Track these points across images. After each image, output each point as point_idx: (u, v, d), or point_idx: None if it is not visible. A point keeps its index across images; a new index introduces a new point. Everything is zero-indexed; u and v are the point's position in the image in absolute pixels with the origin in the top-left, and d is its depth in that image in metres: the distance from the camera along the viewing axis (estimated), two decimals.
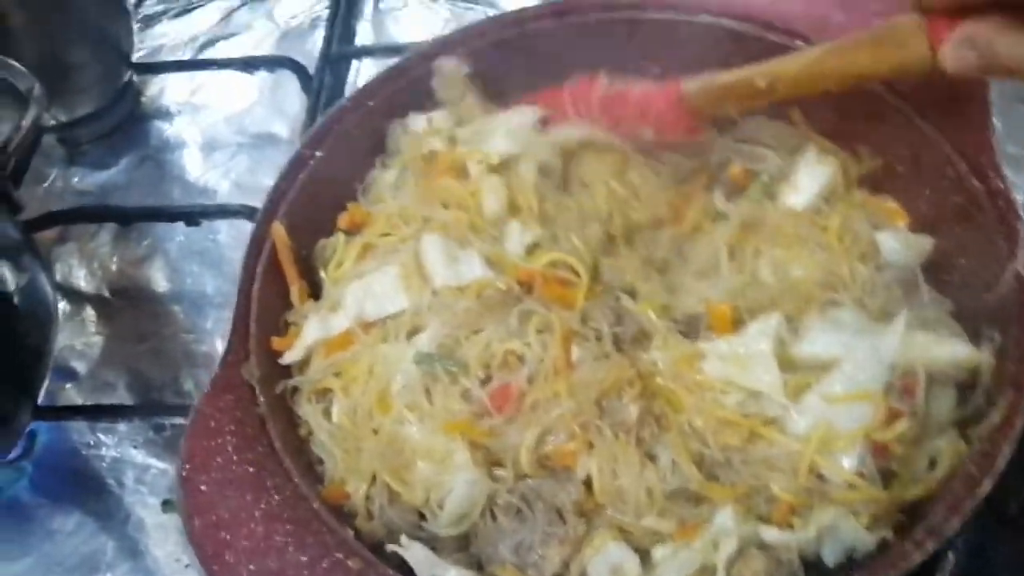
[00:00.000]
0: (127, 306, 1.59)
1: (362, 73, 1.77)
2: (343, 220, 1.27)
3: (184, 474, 0.99)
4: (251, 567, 0.93)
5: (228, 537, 0.95)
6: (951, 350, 1.07)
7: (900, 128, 1.22)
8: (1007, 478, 0.98)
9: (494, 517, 1.05)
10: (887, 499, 1.00)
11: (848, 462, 0.99)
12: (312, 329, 1.15)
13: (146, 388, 1.51)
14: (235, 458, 1.02)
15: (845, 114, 1.27)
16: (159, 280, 1.61)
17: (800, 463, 1.01)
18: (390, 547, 1.02)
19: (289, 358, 1.15)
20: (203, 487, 0.98)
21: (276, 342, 1.16)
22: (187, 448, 1.01)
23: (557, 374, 1.05)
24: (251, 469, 1.01)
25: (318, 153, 1.28)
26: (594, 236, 1.17)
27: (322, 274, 1.24)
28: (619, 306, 1.12)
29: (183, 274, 1.61)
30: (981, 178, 1.13)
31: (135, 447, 1.44)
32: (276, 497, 1.00)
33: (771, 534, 0.98)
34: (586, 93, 1.26)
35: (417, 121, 1.33)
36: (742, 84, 1.17)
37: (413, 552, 1.01)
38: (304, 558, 0.95)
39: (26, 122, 1.33)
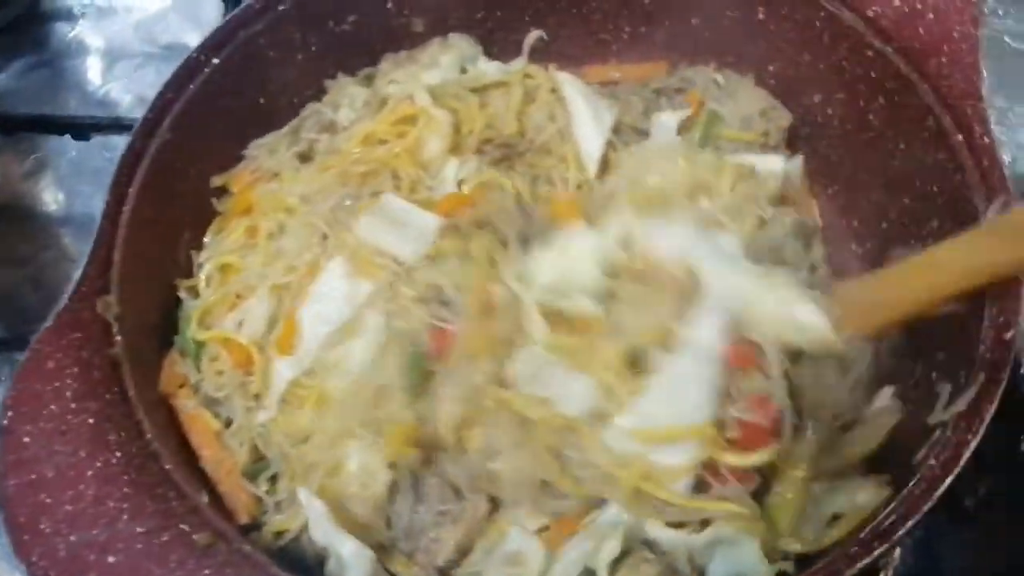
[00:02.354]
0: (6, 226, 1.41)
1: None
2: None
3: (5, 423, 0.83)
4: (71, 538, 0.77)
5: (48, 501, 0.79)
6: (805, 319, 0.90)
7: (878, 71, 1.07)
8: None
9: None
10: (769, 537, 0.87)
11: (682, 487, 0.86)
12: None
13: (22, 319, 1.34)
14: (73, 406, 0.86)
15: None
16: (45, 199, 1.44)
17: (622, 484, 0.86)
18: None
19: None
20: (27, 439, 0.82)
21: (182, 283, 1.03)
22: (14, 391, 0.85)
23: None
24: (91, 420, 0.86)
25: (215, 60, 1.11)
26: None
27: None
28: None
29: (73, 194, 1.44)
30: (966, 133, 0.99)
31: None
32: (118, 454, 0.84)
33: (657, 530, 0.85)
34: None
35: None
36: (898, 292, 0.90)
37: (314, 507, 0.87)
38: (140, 529, 0.80)
39: None
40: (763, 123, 1.14)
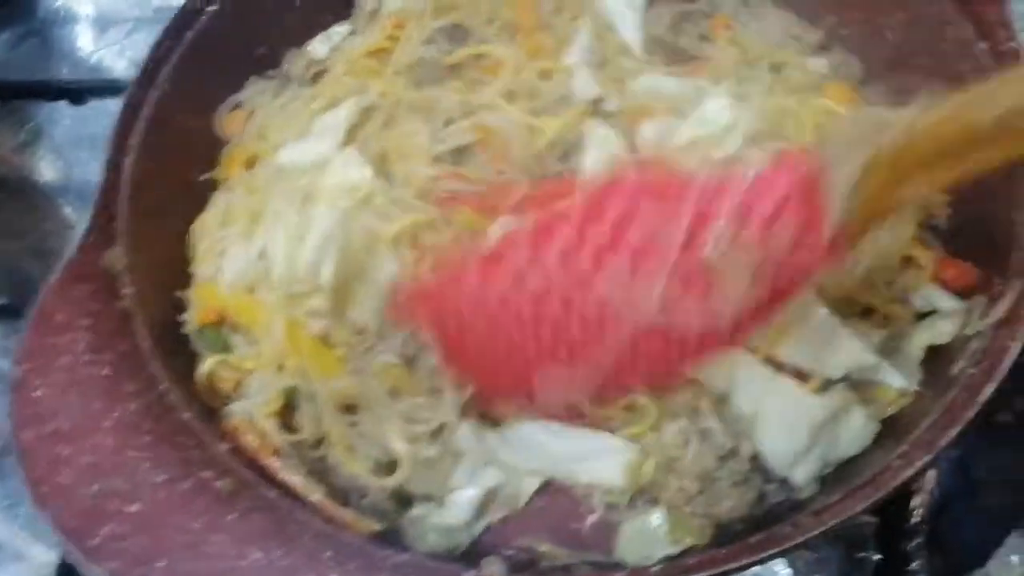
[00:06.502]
0: (5, 198, 1.38)
1: None
2: None
3: (19, 376, 0.80)
4: (94, 487, 0.75)
5: (67, 452, 0.77)
6: None
7: None
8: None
9: None
10: None
11: None
12: None
13: (27, 290, 1.31)
14: (86, 359, 0.84)
15: None
16: (42, 169, 1.41)
17: None
18: None
19: None
20: (38, 392, 0.80)
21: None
22: (25, 346, 0.82)
23: None
24: (105, 371, 0.83)
25: (211, 7, 1.08)
26: None
27: None
28: None
29: (71, 163, 1.40)
30: (990, 39, 0.95)
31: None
32: (133, 405, 0.82)
33: None
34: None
35: None
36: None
37: None
38: (162, 477, 0.77)
39: None
40: (793, 43, 1.11)
